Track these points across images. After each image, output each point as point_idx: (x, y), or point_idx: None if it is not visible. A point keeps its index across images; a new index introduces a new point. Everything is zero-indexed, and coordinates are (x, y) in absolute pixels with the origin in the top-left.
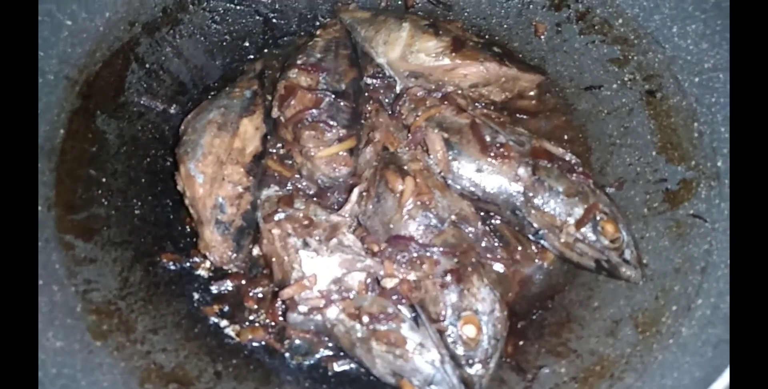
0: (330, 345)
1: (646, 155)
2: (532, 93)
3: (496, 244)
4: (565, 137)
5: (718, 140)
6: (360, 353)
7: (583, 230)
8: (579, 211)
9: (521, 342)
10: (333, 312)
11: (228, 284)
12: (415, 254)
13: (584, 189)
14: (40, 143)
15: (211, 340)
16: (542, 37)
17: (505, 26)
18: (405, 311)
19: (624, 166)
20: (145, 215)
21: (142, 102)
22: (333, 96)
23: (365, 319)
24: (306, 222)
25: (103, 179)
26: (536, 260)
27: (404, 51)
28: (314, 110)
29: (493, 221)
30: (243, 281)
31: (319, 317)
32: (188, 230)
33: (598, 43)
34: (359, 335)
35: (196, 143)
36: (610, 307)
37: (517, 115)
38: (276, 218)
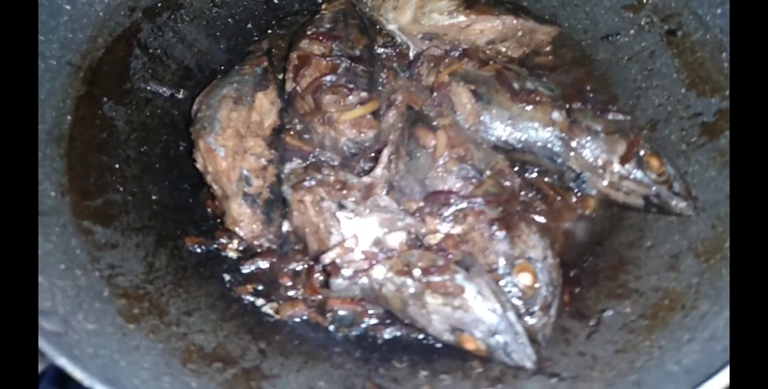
0: (375, 313)
1: (675, 94)
2: (548, 48)
3: (535, 197)
4: (588, 87)
5: None
6: (413, 311)
7: (627, 166)
8: (621, 148)
9: (577, 290)
10: (380, 272)
11: (259, 263)
12: (457, 208)
13: (623, 126)
14: (47, 129)
15: (249, 319)
16: None
17: None
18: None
19: (653, 107)
20: (164, 200)
21: (148, 88)
22: (349, 61)
23: (416, 273)
24: (338, 186)
25: (116, 166)
26: (578, 210)
27: (416, 13)
28: (332, 76)
29: (527, 174)
30: (274, 259)
31: (365, 279)
32: (210, 212)
33: None
34: (411, 291)
35: (213, 118)
36: (665, 243)
37: (536, 71)
38: (306, 185)
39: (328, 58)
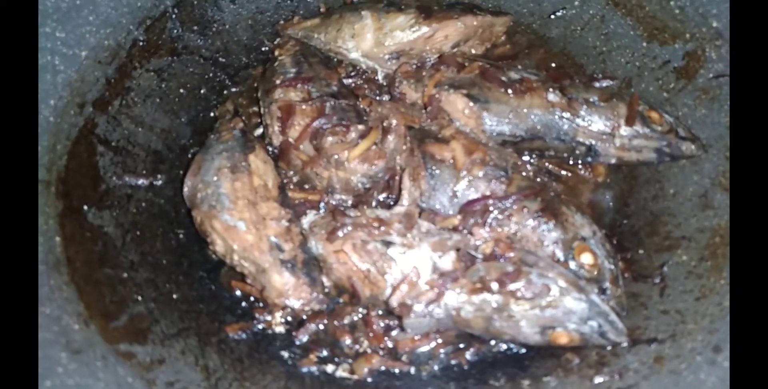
0: (447, 340)
1: (638, 49)
2: (503, 39)
3: (550, 180)
4: (553, 64)
5: (701, 5)
6: (499, 325)
7: (634, 126)
8: (622, 110)
9: (627, 255)
10: (453, 297)
11: (311, 329)
12: (498, 210)
13: (615, 89)
14: (42, 258)
15: (331, 388)
16: None
17: None
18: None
19: (622, 67)
20: (186, 296)
21: (124, 183)
22: (332, 99)
23: (494, 286)
24: (376, 224)
25: (124, 275)
26: (591, 180)
27: (377, 36)
28: (322, 118)
29: (531, 161)
30: (325, 320)
31: (438, 310)
32: (238, 294)
33: None
34: (494, 305)
35: (218, 194)
36: (688, 186)
37: (501, 62)
38: (341, 234)
39: (310, 102)
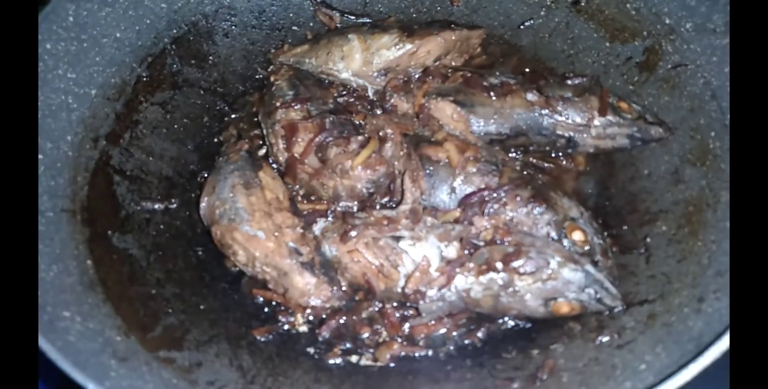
0: (458, 323)
1: (602, 50)
2: (479, 50)
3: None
4: (527, 70)
5: (654, 5)
6: (506, 301)
7: (607, 116)
8: (595, 103)
9: (613, 232)
10: (461, 280)
11: (332, 325)
12: (494, 201)
13: (587, 84)
14: (77, 280)
15: (357, 377)
16: (458, 4)
17: (424, 10)
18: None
19: (590, 66)
20: (213, 306)
21: (142, 208)
22: (331, 115)
23: (499, 266)
24: (385, 221)
25: (153, 291)
26: (573, 169)
27: (365, 56)
28: (324, 133)
29: (517, 157)
30: (344, 317)
31: (449, 293)
32: (260, 301)
33: None
34: (500, 283)
35: (236, 208)
36: (660, 165)
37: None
38: (353, 234)
39: (311, 120)
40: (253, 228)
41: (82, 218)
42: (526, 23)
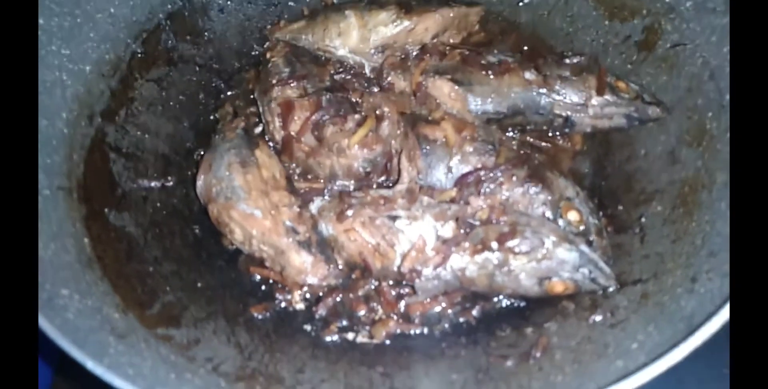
0: (454, 301)
1: (601, 28)
2: (477, 27)
3: (532, 152)
4: (525, 48)
5: None
6: (501, 280)
7: (605, 96)
8: (592, 83)
9: (608, 212)
10: (457, 259)
11: (329, 303)
12: (490, 180)
13: (585, 63)
14: (75, 258)
15: (353, 353)
16: None
17: None
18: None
19: (589, 45)
20: (210, 284)
21: (138, 186)
22: (327, 93)
23: (494, 245)
24: (381, 201)
25: (150, 269)
26: (570, 149)
27: (362, 33)
28: (321, 111)
29: (514, 136)
30: (341, 294)
31: (445, 271)
32: (257, 278)
33: None
34: (495, 262)
35: (232, 187)
36: (656, 146)
37: (477, 49)
38: (350, 213)
39: (307, 97)
40: (250, 206)
41: (78, 196)
42: (525, 0)
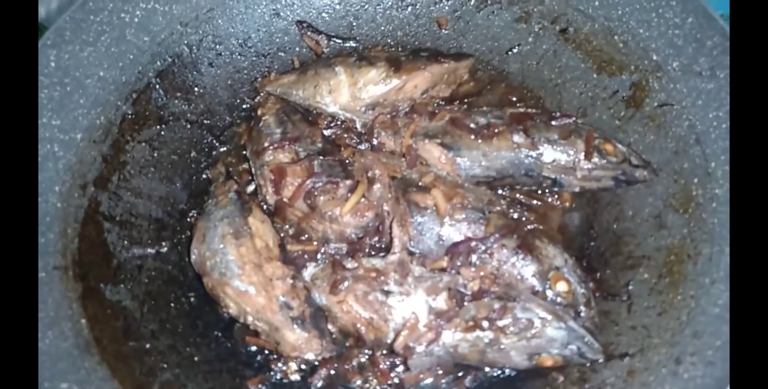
0: (446, 371)
1: (589, 81)
2: (466, 77)
3: (522, 211)
4: (514, 98)
5: (641, 40)
6: (492, 356)
7: (592, 159)
8: (580, 146)
9: (596, 275)
10: (449, 336)
11: (323, 373)
12: (481, 250)
13: (573, 126)
14: (73, 343)
15: None
16: (446, 28)
17: (411, 34)
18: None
19: (577, 97)
20: (207, 357)
21: (133, 255)
22: (319, 157)
23: (485, 324)
24: (374, 274)
25: (147, 346)
26: (559, 207)
27: (352, 91)
28: (313, 177)
29: (503, 193)
30: (336, 364)
31: (437, 348)
32: (253, 349)
33: (497, 11)
34: (486, 341)
35: (226, 261)
36: (644, 208)
37: (466, 100)
38: (342, 287)
39: (299, 162)
40: (244, 283)
41: (74, 274)
42: (514, 49)
